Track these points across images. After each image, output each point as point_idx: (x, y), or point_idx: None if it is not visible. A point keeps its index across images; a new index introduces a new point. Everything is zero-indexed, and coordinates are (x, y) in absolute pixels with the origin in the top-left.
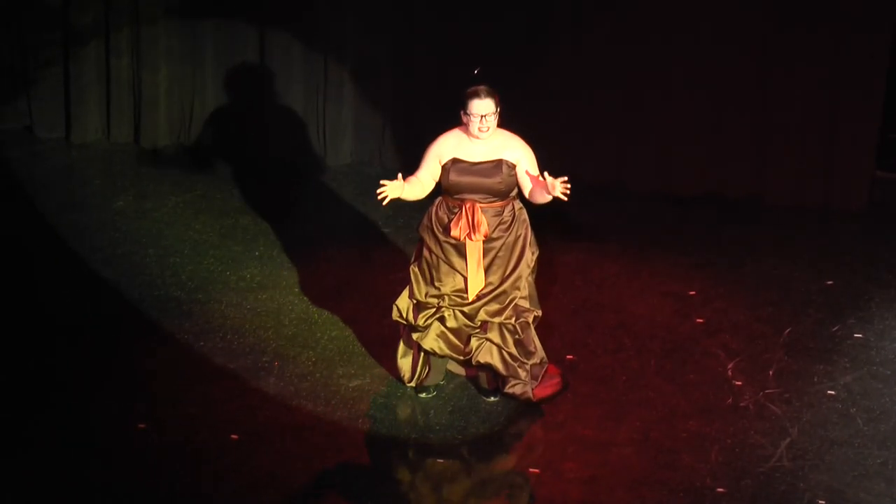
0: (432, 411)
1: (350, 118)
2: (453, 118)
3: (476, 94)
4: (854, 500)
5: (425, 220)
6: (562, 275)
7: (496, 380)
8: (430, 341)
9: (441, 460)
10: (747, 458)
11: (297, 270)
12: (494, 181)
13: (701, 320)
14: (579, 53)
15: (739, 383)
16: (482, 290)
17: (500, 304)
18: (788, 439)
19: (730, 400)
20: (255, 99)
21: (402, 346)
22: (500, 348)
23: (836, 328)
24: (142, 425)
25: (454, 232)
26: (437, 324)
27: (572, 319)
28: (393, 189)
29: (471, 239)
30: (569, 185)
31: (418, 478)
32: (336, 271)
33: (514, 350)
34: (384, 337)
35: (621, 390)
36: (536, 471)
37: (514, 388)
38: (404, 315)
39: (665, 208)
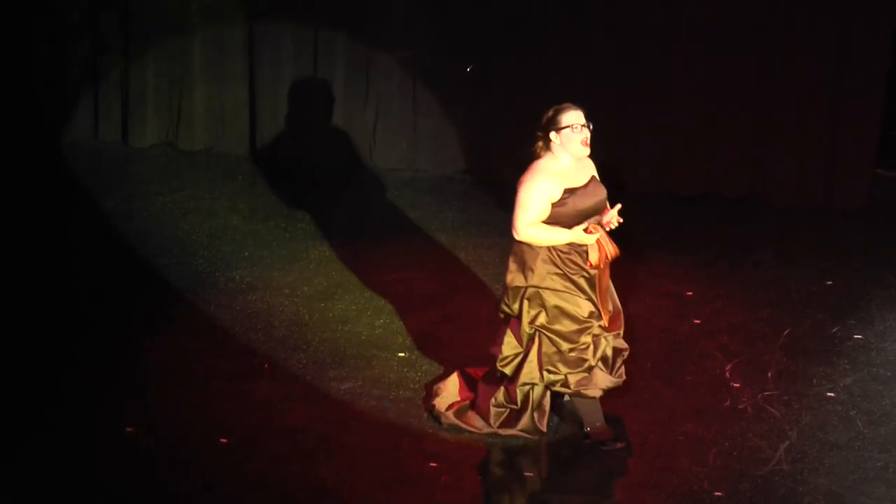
0: (425, 414)
1: (341, 117)
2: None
3: (565, 108)
4: (854, 503)
5: (538, 272)
6: None
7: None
8: (601, 381)
9: (434, 464)
10: (745, 461)
11: (287, 271)
12: (604, 197)
13: (699, 321)
14: (578, 53)
15: (738, 385)
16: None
17: (621, 318)
18: (787, 442)
19: (728, 402)
20: (243, 98)
21: (525, 420)
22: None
23: (835, 329)
24: (129, 428)
25: (594, 261)
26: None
27: None
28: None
29: (607, 262)
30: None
31: (411, 482)
32: (327, 272)
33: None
34: (376, 339)
35: (618, 392)
36: (531, 473)
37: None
38: (562, 373)
39: (664, 208)
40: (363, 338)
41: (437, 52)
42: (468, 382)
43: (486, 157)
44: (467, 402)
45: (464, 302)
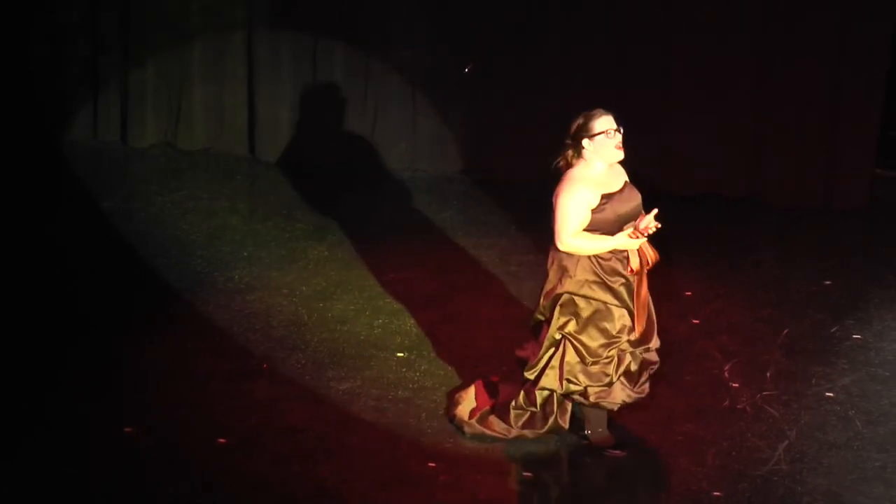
0: (423, 414)
1: (340, 117)
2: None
3: (596, 114)
4: (852, 503)
5: (576, 278)
6: None
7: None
8: (620, 395)
9: (433, 464)
10: (744, 461)
11: (285, 271)
12: (639, 201)
13: (698, 321)
14: (577, 53)
15: (736, 385)
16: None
17: (654, 329)
18: (786, 442)
19: (727, 402)
20: (243, 97)
21: (551, 422)
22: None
23: (834, 329)
24: (128, 429)
25: (634, 266)
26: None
27: None
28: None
29: (648, 268)
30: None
31: (410, 482)
32: (326, 272)
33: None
34: (375, 339)
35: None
36: (529, 474)
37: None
38: (581, 384)
39: (662, 207)
40: (362, 338)
41: (436, 52)
42: (488, 389)
43: (485, 157)
44: (487, 407)
45: (463, 302)
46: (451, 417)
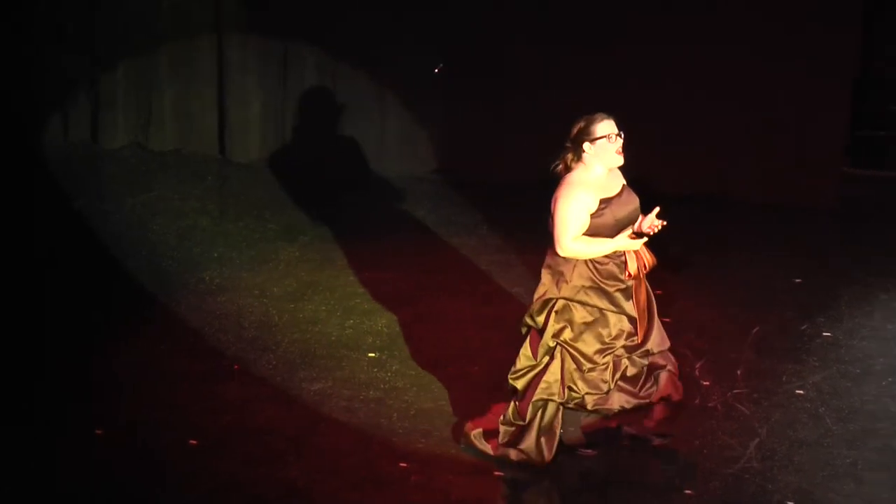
0: (395, 414)
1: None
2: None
3: (597, 118)
4: (823, 500)
5: (573, 283)
6: (529, 276)
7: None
8: (618, 402)
9: (404, 464)
10: (715, 459)
11: (256, 272)
12: (637, 204)
13: (668, 319)
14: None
15: (707, 383)
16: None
17: (658, 331)
18: (757, 440)
19: (697, 400)
20: (212, 98)
21: (534, 433)
22: (670, 373)
23: (805, 327)
24: (99, 431)
25: (632, 271)
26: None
27: None
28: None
29: (646, 271)
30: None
31: (382, 482)
32: (297, 273)
33: (675, 370)
34: (346, 339)
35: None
36: (500, 473)
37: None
38: (580, 392)
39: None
40: (333, 338)
41: (406, 52)
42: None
43: (456, 158)
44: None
45: (434, 302)
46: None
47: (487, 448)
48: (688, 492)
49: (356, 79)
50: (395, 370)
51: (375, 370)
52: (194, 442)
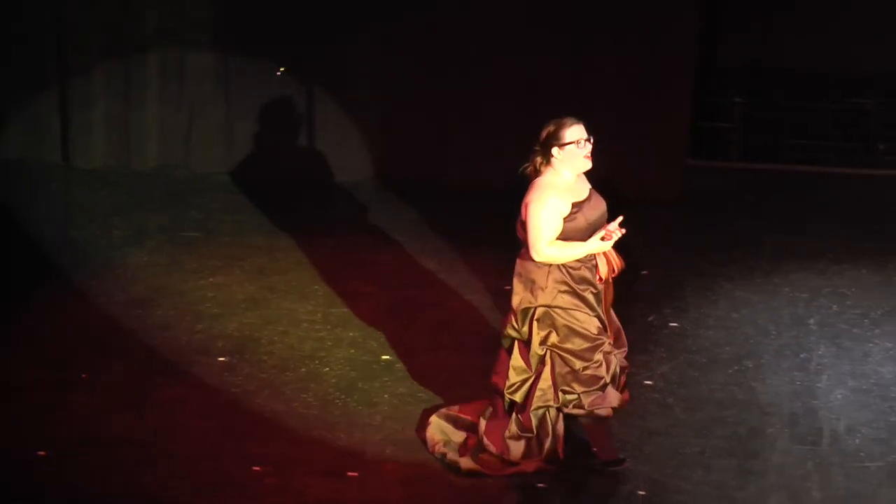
0: (248, 418)
1: (150, 120)
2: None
3: (567, 122)
4: (674, 489)
5: (548, 290)
6: (381, 274)
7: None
8: (613, 399)
9: (257, 468)
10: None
11: (103, 279)
12: (605, 208)
13: None
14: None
15: None
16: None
17: (621, 333)
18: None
19: None
20: (54, 103)
21: (548, 446)
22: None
23: (652, 318)
24: None
25: (603, 274)
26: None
27: (389, 318)
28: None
29: (615, 275)
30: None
31: (237, 487)
32: (145, 278)
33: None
34: (196, 344)
35: (440, 388)
36: (355, 473)
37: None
38: (576, 392)
39: (479, 204)
40: (183, 343)
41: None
42: (455, 422)
43: (303, 160)
44: (472, 442)
45: (282, 304)
46: (442, 457)
47: (492, 470)
48: (540, 485)
49: (202, 80)
50: (247, 374)
51: (227, 374)
52: (42, 453)
